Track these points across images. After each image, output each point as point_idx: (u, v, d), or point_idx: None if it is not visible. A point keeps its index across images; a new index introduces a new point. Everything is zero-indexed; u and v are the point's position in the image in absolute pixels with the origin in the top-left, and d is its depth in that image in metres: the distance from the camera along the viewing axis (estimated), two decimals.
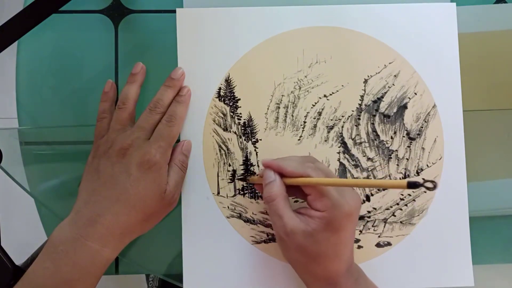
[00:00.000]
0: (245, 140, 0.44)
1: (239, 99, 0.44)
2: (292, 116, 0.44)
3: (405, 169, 0.44)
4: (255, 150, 0.44)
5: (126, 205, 0.39)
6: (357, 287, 0.37)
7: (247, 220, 0.44)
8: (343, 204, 0.35)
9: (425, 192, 0.44)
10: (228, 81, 0.44)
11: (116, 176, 0.39)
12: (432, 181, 0.28)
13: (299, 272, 0.39)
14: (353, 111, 0.45)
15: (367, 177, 0.44)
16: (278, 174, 0.38)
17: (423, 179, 0.28)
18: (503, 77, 0.46)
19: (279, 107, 0.44)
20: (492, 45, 0.46)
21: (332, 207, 0.35)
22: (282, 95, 0.44)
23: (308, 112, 0.44)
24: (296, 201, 0.43)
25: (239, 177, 0.44)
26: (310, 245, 0.36)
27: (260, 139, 0.44)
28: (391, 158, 0.44)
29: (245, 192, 0.44)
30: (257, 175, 0.43)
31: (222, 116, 0.44)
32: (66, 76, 0.45)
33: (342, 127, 0.44)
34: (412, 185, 0.28)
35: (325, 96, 0.45)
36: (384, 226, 0.44)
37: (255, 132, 0.44)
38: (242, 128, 0.44)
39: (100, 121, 0.43)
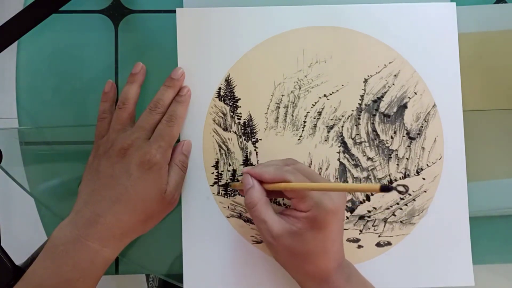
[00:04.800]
0: (245, 140, 0.44)
1: (239, 99, 0.44)
2: (292, 116, 0.44)
3: (405, 168, 0.44)
4: (255, 150, 0.44)
5: (126, 205, 0.39)
6: (349, 284, 0.37)
7: (247, 220, 0.44)
8: (326, 202, 0.36)
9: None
10: (228, 81, 0.44)
11: (116, 176, 0.39)
12: (403, 185, 0.29)
13: (291, 272, 0.39)
14: (353, 110, 0.45)
15: (367, 177, 0.44)
16: (256, 180, 0.38)
17: (398, 184, 0.29)
18: (503, 77, 0.46)
19: (279, 107, 0.44)
20: (492, 45, 0.46)
21: (315, 206, 0.36)
22: (282, 95, 0.44)
23: (308, 112, 0.44)
24: None
25: (220, 184, 0.44)
26: (298, 245, 0.36)
27: (260, 139, 0.44)
28: (391, 157, 0.44)
29: None
30: (239, 181, 0.43)
31: (222, 116, 0.44)
32: (66, 76, 0.45)
33: (342, 126, 0.44)
34: (385, 189, 0.30)
35: (325, 95, 0.45)
36: (384, 226, 0.44)
37: (255, 132, 0.44)
38: (242, 128, 0.44)
39: (100, 121, 0.43)
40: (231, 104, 0.44)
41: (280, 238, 0.36)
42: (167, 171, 0.41)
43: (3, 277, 0.40)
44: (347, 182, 0.44)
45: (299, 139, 0.44)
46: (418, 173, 0.44)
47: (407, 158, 0.44)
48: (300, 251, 0.36)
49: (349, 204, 0.44)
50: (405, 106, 0.45)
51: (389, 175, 0.44)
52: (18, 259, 0.43)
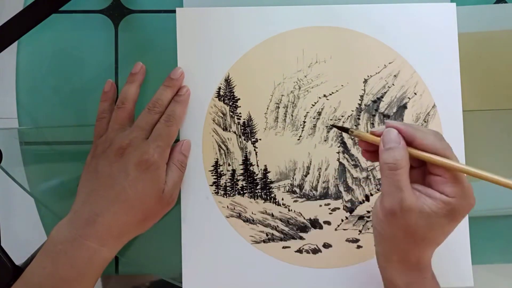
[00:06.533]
0: (244, 139, 0.44)
1: (239, 99, 0.44)
2: (292, 116, 0.44)
3: None
4: (254, 149, 0.44)
5: (124, 205, 0.39)
6: (434, 280, 0.36)
7: (246, 220, 0.44)
8: (471, 194, 0.33)
9: None
10: (227, 81, 0.44)
11: (114, 176, 0.39)
12: None
13: (384, 247, 0.35)
14: (352, 111, 0.45)
15: (367, 177, 0.44)
16: (403, 140, 0.33)
17: None
18: (503, 77, 0.46)
19: (278, 107, 0.44)
20: (492, 45, 0.46)
21: (462, 196, 0.32)
22: (282, 95, 0.44)
23: (307, 112, 0.44)
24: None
25: (336, 125, 0.40)
26: (421, 227, 0.32)
27: (260, 139, 0.44)
28: None
29: (245, 192, 0.44)
30: (371, 131, 0.36)
31: (222, 115, 0.44)
32: (66, 76, 0.45)
33: None
34: None
35: (324, 96, 0.45)
36: None
37: (255, 131, 0.44)
38: (242, 127, 0.44)
39: (99, 121, 0.43)
40: (230, 104, 0.44)
41: (407, 213, 0.32)
42: (165, 171, 0.41)
43: (3, 277, 0.41)
44: (347, 182, 0.44)
45: (298, 139, 0.44)
46: None
47: None
48: (420, 234, 0.33)
49: (349, 205, 0.44)
50: (404, 107, 0.45)
51: None
52: (18, 259, 0.43)
